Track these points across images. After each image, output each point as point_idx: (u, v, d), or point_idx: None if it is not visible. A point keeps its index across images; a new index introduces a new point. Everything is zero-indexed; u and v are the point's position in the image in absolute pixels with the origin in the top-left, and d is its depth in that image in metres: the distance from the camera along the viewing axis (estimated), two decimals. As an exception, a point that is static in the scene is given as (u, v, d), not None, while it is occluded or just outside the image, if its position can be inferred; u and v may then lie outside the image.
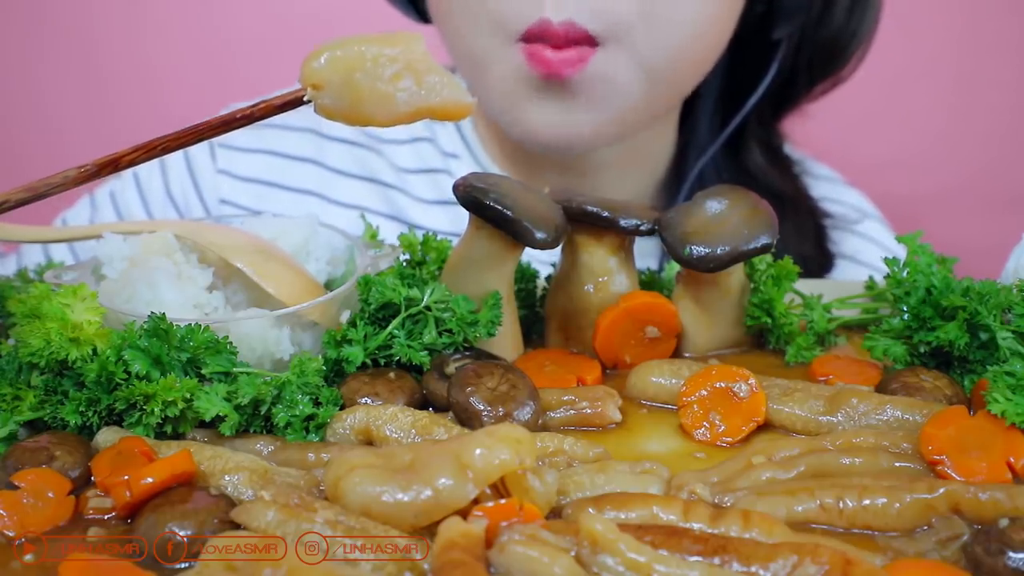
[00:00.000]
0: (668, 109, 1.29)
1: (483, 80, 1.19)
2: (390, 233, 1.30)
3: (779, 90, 1.36)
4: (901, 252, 0.94)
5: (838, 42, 1.32)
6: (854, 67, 1.37)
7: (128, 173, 1.38)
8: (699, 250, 0.88)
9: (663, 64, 1.15)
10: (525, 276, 1.00)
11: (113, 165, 0.81)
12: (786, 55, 1.31)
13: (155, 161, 1.36)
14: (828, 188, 1.46)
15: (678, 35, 1.14)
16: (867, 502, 0.70)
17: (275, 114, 0.83)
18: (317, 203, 1.36)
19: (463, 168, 1.35)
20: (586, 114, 1.15)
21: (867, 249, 1.41)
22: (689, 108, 1.36)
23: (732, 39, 1.24)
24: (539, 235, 0.86)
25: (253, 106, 0.82)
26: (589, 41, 1.10)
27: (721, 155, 1.36)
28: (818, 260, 1.38)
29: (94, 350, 0.79)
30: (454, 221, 1.32)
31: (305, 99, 0.82)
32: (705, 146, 1.34)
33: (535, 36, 1.10)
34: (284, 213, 1.34)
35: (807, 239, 1.37)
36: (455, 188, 0.87)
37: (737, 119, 1.32)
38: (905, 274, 0.92)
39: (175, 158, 1.37)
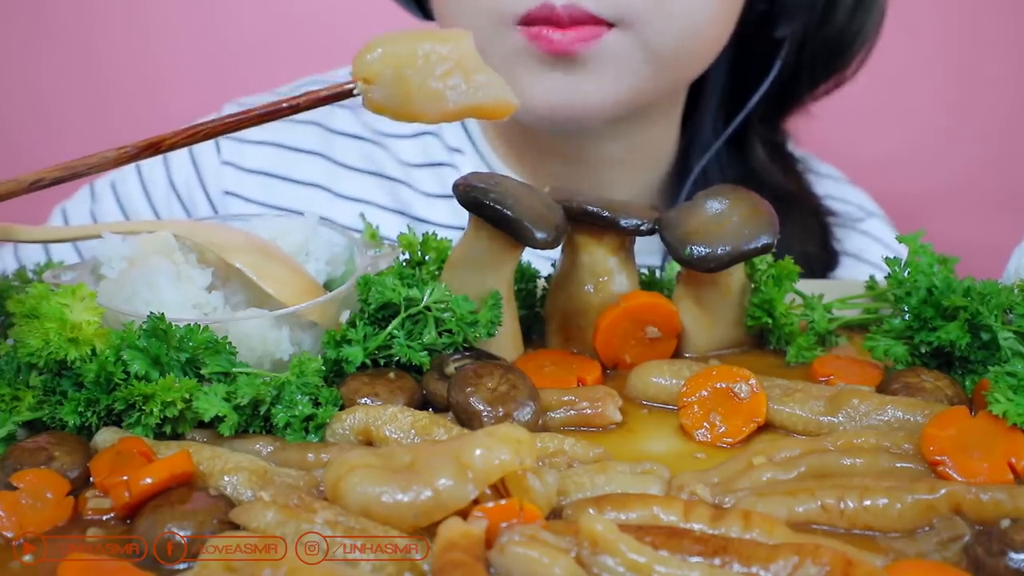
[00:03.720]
0: (673, 94, 1.29)
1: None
2: (395, 227, 1.30)
3: (782, 89, 1.36)
4: (904, 251, 0.94)
5: (841, 41, 1.32)
6: (857, 67, 1.37)
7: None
8: (699, 250, 0.88)
9: (670, 50, 1.15)
10: (525, 276, 1.00)
11: (154, 148, 0.80)
12: (789, 53, 1.31)
13: None
14: (831, 186, 1.46)
15: (685, 23, 1.14)
16: (868, 503, 0.70)
17: (322, 105, 0.83)
18: (323, 196, 1.36)
19: (467, 162, 1.35)
20: (592, 87, 1.15)
21: (871, 247, 1.41)
22: (693, 107, 1.36)
23: (735, 38, 1.24)
24: (539, 235, 0.86)
25: (299, 96, 0.82)
26: (595, 22, 1.11)
27: (725, 153, 1.36)
28: (822, 258, 1.38)
29: (93, 350, 0.78)
30: (458, 215, 1.32)
31: (355, 92, 0.82)
32: (708, 144, 1.34)
33: (537, 19, 1.10)
34: (289, 206, 1.35)
35: (812, 237, 1.37)
36: (455, 188, 0.87)
37: (740, 117, 1.32)
38: (906, 274, 0.92)
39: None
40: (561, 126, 1.20)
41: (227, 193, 1.36)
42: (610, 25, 1.12)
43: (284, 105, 0.82)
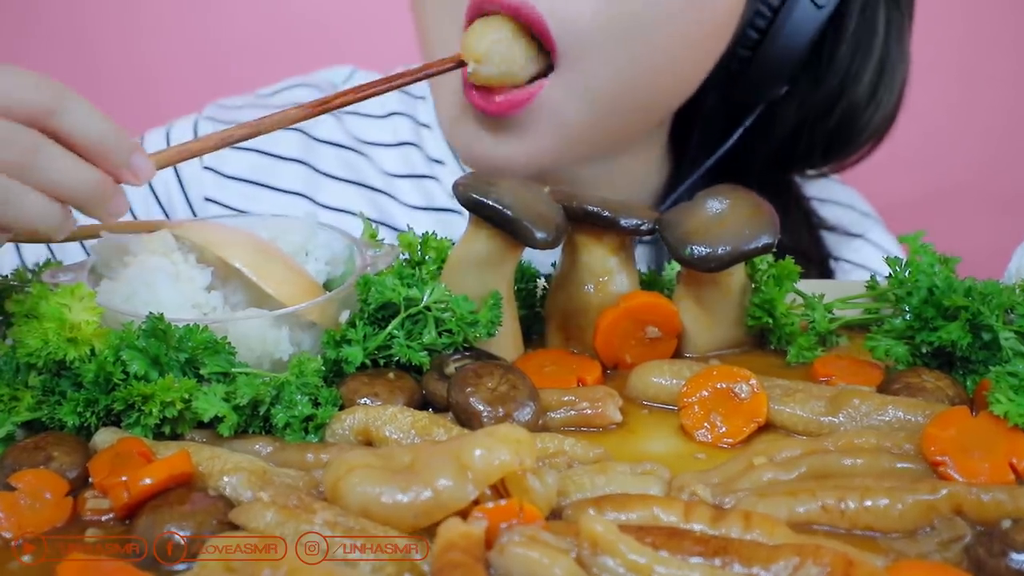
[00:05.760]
0: (625, 140, 1.23)
1: (435, 91, 1.18)
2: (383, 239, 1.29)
3: (781, 158, 1.33)
4: (900, 253, 0.94)
5: (842, 135, 1.28)
6: (858, 160, 1.34)
7: None
8: (700, 250, 0.88)
9: (616, 96, 1.10)
10: (525, 276, 1.00)
11: (324, 105, 0.95)
12: (784, 124, 1.28)
13: None
14: (821, 187, 1.44)
15: (638, 65, 1.08)
16: (869, 503, 0.70)
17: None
18: (304, 205, 1.34)
19: (449, 174, 1.32)
20: (515, 143, 1.11)
21: (871, 254, 1.39)
22: (685, 136, 1.32)
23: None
24: (539, 235, 0.85)
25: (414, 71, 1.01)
26: (537, 28, 1.04)
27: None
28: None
29: (92, 350, 0.78)
30: (443, 228, 1.30)
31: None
32: (696, 181, 1.29)
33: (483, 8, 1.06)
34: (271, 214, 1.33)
35: (813, 271, 1.33)
36: (454, 187, 0.87)
37: (707, 164, 1.27)
38: (907, 274, 0.92)
39: (157, 148, 1.35)
40: (488, 172, 1.18)
41: (208, 199, 1.34)
42: (549, 68, 1.07)
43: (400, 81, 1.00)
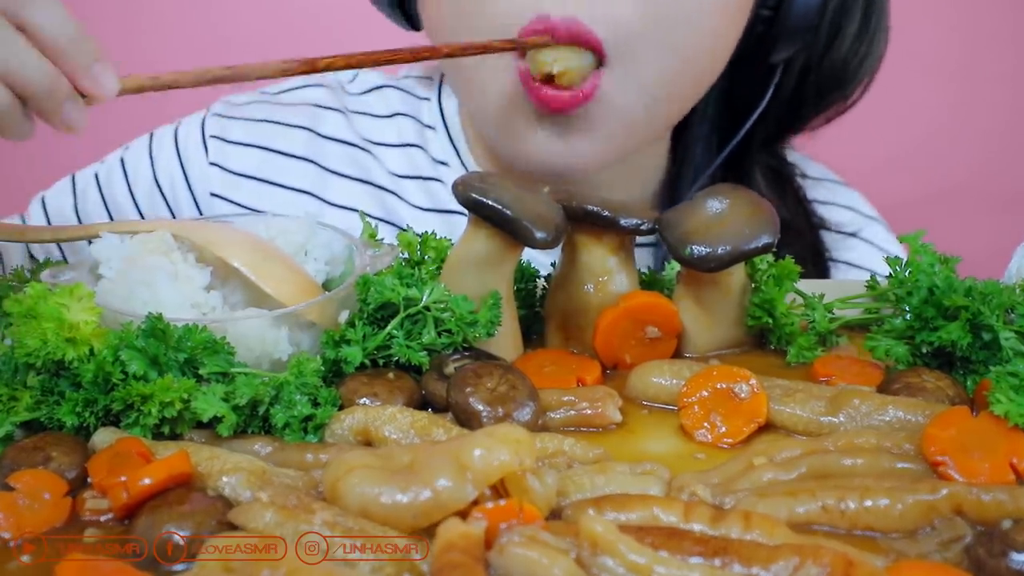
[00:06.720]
0: (667, 128, 1.28)
1: (478, 101, 1.18)
2: (384, 237, 1.28)
3: (784, 116, 1.34)
4: (901, 254, 0.94)
5: (847, 69, 1.30)
6: (860, 94, 1.36)
7: (114, 156, 1.37)
8: (700, 250, 0.88)
9: (666, 84, 1.14)
10: (525, 276, 0.99)
11: (311, 65, 0.92)
12: (788, 81, 1.29)
13: (143, 146, 1.35)
14: (825, 191, 1.44)
15: (683, 53, 1.12)
16: (869, 503, 0.70)
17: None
18: (310, 203, 1.34)
19: (453, 176, 1.32)
20: (586, 144, 1.14)
21: (870, 253, 1.39)
22: (683, 127, 1.33)
23: (731, 60, 1.22)
24: (539, 235, 0.85)
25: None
26: (592, 44, 1.08)
27: (721, 178, 1.34)
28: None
29: (91, 350, 0.78)
30: (449, 228, 1.30)
31: None
32: (700, 167, 1.32)
33: (535, 33, 1.07)
34: (278, 211, 1.33)
35: (809, 266, 1.34)
36: (454, 187, 0.87)
37: (732, 144, 1.30)
38: (907, 274, 0.92)
39: (164, 145, 1.35)
40: (552, 177, 1.18)
41: (213, 195, 1.34)
42: (600, 63, 1.09)
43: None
